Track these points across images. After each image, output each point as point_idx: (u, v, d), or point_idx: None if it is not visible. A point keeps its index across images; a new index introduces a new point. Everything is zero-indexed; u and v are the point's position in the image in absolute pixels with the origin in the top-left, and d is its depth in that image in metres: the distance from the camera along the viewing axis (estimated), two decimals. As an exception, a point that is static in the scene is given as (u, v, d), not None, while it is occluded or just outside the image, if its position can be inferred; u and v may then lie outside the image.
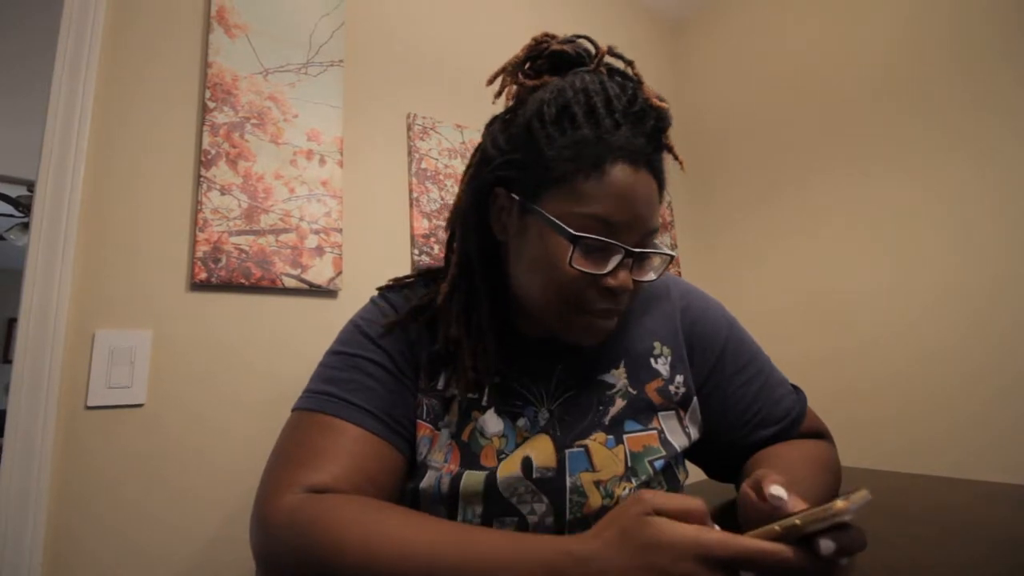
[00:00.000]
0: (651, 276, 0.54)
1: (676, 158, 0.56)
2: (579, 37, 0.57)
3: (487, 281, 0.57)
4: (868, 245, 1.50)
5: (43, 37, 2.01)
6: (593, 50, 0.56)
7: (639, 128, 0.50)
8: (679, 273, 1.83)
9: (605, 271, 0.50)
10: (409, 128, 1.31)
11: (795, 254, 1.68)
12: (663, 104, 0.52)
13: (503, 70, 0.58)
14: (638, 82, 0.54)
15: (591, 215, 0.48)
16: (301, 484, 0.47)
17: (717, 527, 0.36)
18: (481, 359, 0.56)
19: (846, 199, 1.56)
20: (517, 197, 0.53)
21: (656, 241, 0.54)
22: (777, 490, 0.37)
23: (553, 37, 0.57)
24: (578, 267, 0.49)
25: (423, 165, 1.31)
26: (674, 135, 0.54)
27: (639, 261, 0.52)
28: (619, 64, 0.56)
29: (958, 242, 1.33)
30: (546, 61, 0.56)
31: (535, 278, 0.53)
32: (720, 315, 0.66)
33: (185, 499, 0.89)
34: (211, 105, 1.02)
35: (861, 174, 1.53)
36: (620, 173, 0.48)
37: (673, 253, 0.55)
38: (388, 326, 0.58)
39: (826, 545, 0.31)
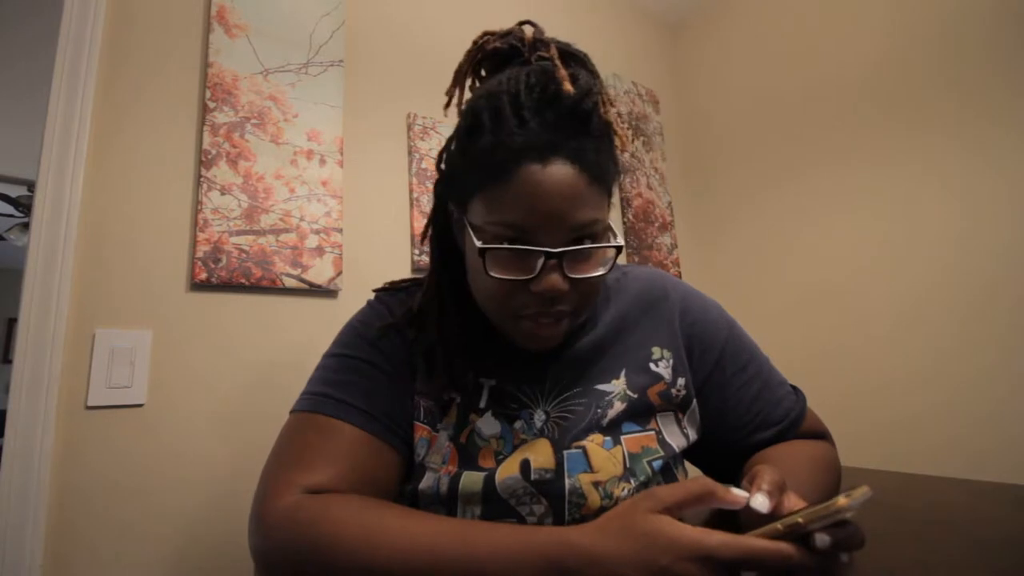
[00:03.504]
0: (600, 271, 0.50)
1: (616, 134, 0.52)
2: (522, 24, 0.56)
3: (453, 289, 0.58)
4: (868, 243, 1.50)
5: (43, 37, 2.01)
6: (531, 38, 0.53)
7: (549, 117, 0.47)
8: (679, 273, 1.83)
9: (531, 276, 0.48)
10: (409, 128, 1.31)
11: (794, 253, 1.68)
12: (571, 88, 0.46)
13: (454, 81, 0.57)
14: (582, 57, 0.51)
15: (503, 223, 0.47)
16: (299, 485, 0.47)
17: (735, 489, 0.36)
18: (456, 364, 0.57)
19: (846, 199, 1.56)
20: (454, 210, 0.55)
21: (602, 229, 0.50)
22: (757, 501, 0.36)
23: (493, 33, 0.56)
24: (496, 275, 0.48)
25: (423, 165, 1.31)
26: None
27: (573, 258, 0.49)
28: (549, 47, 0.52)
29: (963, 235, 1.32)
30: (490, 62, 0.56)
31: (476, 287, 0.54)
32: (719, 316, 0.66)
33: (185, 499, 0.89)
34: (211, 105, 1.02)
35: (861, 174, 1.53)
36: (525, 174, 0.46)
37: (614, 244, 0.50)
38: (384, 328, 0.59)
39: (821, 539, 0.31)
